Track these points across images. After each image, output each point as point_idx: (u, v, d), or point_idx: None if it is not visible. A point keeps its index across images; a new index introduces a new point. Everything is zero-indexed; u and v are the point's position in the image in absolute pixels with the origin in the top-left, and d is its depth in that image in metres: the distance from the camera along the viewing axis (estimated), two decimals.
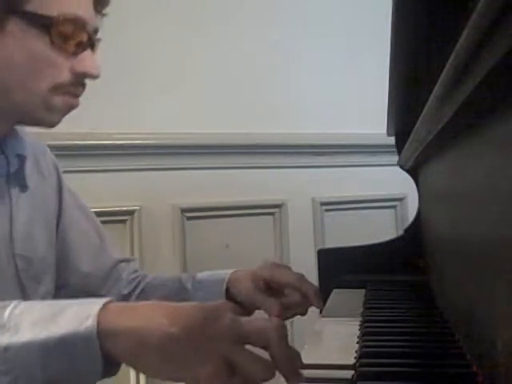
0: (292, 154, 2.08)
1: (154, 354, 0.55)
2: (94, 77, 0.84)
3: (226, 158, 1.97)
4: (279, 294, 0.94)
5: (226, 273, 0.99)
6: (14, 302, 0.59)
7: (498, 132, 0.53)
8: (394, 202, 2.23)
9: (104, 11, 0.87)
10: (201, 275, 1.02)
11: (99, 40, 0.87)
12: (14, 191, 0.88)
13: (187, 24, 1.93)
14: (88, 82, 0.86)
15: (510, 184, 0.49)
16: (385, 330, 0.87)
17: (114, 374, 0.60)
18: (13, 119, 0.86)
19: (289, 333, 0.89)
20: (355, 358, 0.73)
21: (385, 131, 1.30)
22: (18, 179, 0.89)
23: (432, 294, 1.11)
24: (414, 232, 1.30)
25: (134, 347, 0.56)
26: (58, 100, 0.82)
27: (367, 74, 2.04)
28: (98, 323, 0.56)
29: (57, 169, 1.01)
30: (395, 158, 1.32)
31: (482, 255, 0.62)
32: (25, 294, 0.87)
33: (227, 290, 0.97)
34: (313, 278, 1.39)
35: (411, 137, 0.98)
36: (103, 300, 0.59)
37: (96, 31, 0.85)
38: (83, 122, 1.65)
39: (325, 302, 1.16)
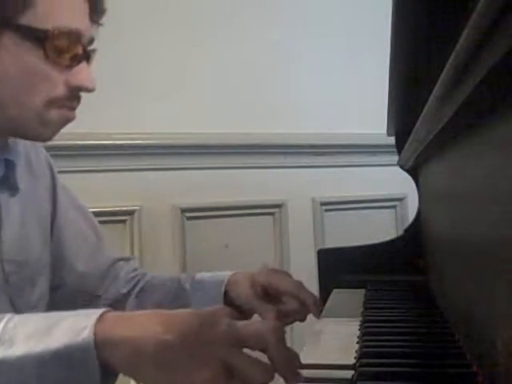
0: (292, 154, 2.08)
1: (149, 362, 0.55)
2: (89, 90, 0.82)
3: (225, 158, 1.97)
4: (277, 300, 0.94)
5: (225, 274, 0.98)
6: (8, 315, 0.59)
7: (498, 132, 0.53)
8: (393, 202, 2.23)
9: (100, 21, 0.85)
10: (200, 276, 1.01)
11: (95, 51, 0.85)
12: (3, 196, 0.86)
13: (187, 24, 1.93)
14: None
15: (509, 184, 0.49)
16: (385, 330, 0.87)
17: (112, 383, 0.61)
18: (7, 133, 0.84)
19: (289, 333, 0.89)
20: (355, 357, 0.73)
21: (385, 131, 1.30)
22: (7, 184, 0.87)
23: (432, 294, 1.11)
24: (414, 232, 1.30)
25: (130, 356, 0.56)
26: (54, 114, 0.81)
27: (367, 74, 2.03)
28: (95, 334, 0.56)
29: (51, 168, 1.00)
30: (395, 158, 1.32)
31: (482, 255, 0.62)
32: (14, 301, 0.86)
33: (226, 292, 0.96)
34: (313, 277, 1.39)
35: (411, 137, 0.98)
36: (99, 310, 0.59)
37: (91, 41, 0.84)
38: (83, 122, 1.64)
39: (325, 301, 1.16)
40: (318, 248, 1.42)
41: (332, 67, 2.12)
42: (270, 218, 2.05)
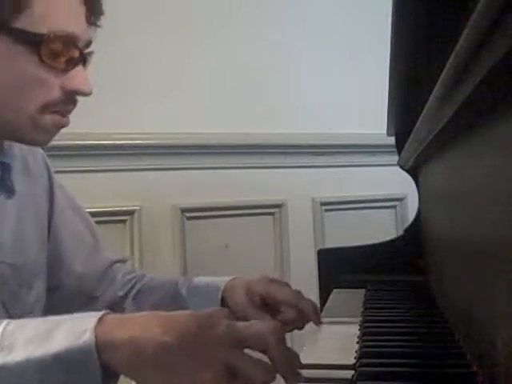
0: (292, 154, 2.08)
1: (149, 363, 0.55)
2: (86, 94, 0.81)
3: (225, 158, 1.97)
4: (275, 310, 0.94)
5: (222, 280, 0.97)
6: (6, 321, 0.59)
7: (498, 132, 0.53)
8: (393, 202, 2.23)
9: (98, 23, 0.82)
10: (197, 281, 1.00)
11: (92, 53, 0.84)
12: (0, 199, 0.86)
13: (186, 25, 1.93)
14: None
15: (510, 184, 0.49)
16: (385, 330, 0.87)
17: None
18: (4, 138, 0.84)
19: (289, 333, 0.89)
20: (355, 357, 0.73)
21: (385, 131, 1.30)
22: (3, 186, 0.86)
23: (432, 294, 1.11)
24: (414, 232, 1.30)
25: (130, 358, 0.56)
26: (48, 119, 0.79)
27: (367, 74, 2.03)
28: (96, 336, 0.56)
29: (47, 168, 0.98)
30: (395, 158, 1.32)
31: (482, 255, 0.62)
32: (8, 304, 0.85)
33: (223, 298, 0.96)
34: (313, 277, 1.39)
35: (411, 137, 0.98)
36: (99, 313, 0.58)
37: (89, 44, 0.82)
38: (83, 122, 1.64)
39: (325, 301, 1.16)
40: (318, 248, 1.42)
41: (332, 67, 2.12)
42: (270, 218, 2.05)
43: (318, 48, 2.10)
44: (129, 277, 1.05)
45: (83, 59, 0.81)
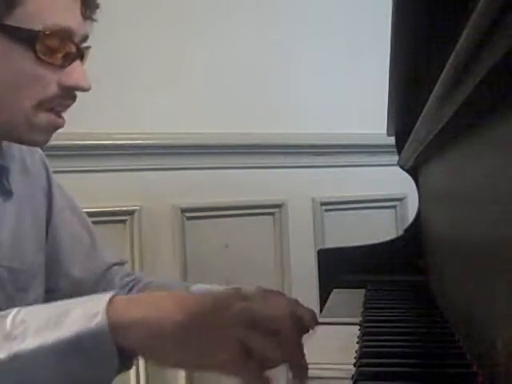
0: (292, 154, 2.08)
1: (167, 343, 0.55)
2: (85, 89, 0.80)
3: (225, 158, 1.97)
4: None
5: (218, 290, 0.97)
6: (15, 310, 0.59)
7: (498, 132, 0.53)
8: (393, 202, 2.23)
9: (94, 16, 0.81)
10: (195, 288, 1.00)
11: (89, 48, 0.83)
12: None
13: (187, 24, 1.93)
14: None
15: (510, 184, 0.49)
16: (385, 330, 0.87)
17: (129, 368, 0.60)
18: (2, 138, 0.83)
19: None
20: (355, 357, 0.73)
21: (385, 131, 1.30)
22: (2, 189, 0.85)
23: (432, 294, 1.11)
24: (414, 232, 1.30)
25: (146, 338, 0.56)
26: (43, 118, 0.78)
27: (367, 74, 2.03)
28: (108, 318, 0.55)
29: (46, 168, 0.97)
30: (395, 158, 1.32)
31: (482, 255, 0.62)
32: (11, 305, 0.85)
33: None
34: (313, 277, 1.39)
35: (411, 137, 0.98)
36: (108, 294, 0.58)
37: (85, 39, 0.81)
38: (83, 122, 1.65)
39: (325, 301, 1.16)
40: (318, 248, 1.42)
41: (332, 67, 2.12)
42: (270, 218, 2.05)
43: (318, 48, 2.10)
44: (127, 279, 1.05)
45: (80, 54, 0.79)
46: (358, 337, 0.84)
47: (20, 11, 0.73)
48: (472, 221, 0.68)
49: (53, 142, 0.84)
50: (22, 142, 0.84)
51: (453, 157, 0.79)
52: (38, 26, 0.74)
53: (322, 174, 2.11)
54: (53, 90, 0.77)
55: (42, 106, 0.78)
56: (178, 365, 0.58)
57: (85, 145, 1.77)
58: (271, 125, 2.01)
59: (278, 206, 2.06)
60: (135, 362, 0.60)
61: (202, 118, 1.92)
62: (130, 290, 1.03)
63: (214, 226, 1.95)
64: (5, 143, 0.86)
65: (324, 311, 1.08)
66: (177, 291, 0.61)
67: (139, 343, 0.56)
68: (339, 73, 2.12)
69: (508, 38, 0.37)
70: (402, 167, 1.32)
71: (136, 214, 1.83)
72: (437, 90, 0.62)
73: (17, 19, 0.73)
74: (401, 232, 1.36)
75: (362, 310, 1.02)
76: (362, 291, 1.20)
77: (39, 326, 0.56)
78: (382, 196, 2.20)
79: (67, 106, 0.81)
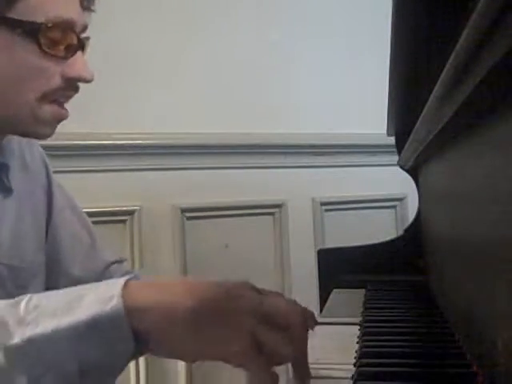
0: (292, 154, 2.08)
1: (179, 327, 0.55)
2: (88, 80, 0.80)
3: (226, 158, 1.97)
4: None
5: None
6: (28, 296, 0.58)
7: (498, 132, 0.53)
8: (393, 202, 2.23)
9: (92, 7, 0.82)
10: None
11: (88, 39, 0.84)
12: None
13: (187, 24, 1.93)
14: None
15: (510, 184, 0.49)
16: (385, 330, 0.87)
17: (143, 354, 0.60)
18: (7, 132, 0.83)
19: None
20: (355, 357, 0.73)
21: (385, 131, 1.30)
22: (1, 187, 0.85)
23: (432, 294, 1.11)
24: (414, 232, 1.30)
25: (161, 322, 0.55)
26: (47, 110, 0.79)
27: (367, 74, 2.03)
28: (124, 301, 0.55)
29: (45, 165, 0.97)
30: (395, 158, 1.32)
31: (482, 255, 0.62)
32: None
33: None
34: (313, 277, 1.39)
35: (411, 137, 0.98)
36: (123, 279, 0.58)
37: (85, 29, 0.81)
38: (83, 122, 1.65)
39: (325, 301, 1.16)
40: (318, 248, 1.42)
41: (332, 67, 2.12)
42: (270, 218, 2.06)
43: (318, 48, 2.10)
44: (127, 277, 1.04)
45: (81, 45, 0.80)
46: (358, 337, 0.84)
47: (22, 4, 0.74)
48: (472, 221, 0.68)
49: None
50: (27, 136, 0.84)
51: (453, 157, 0.79)
52: (40, 19, 0.74)
53: (322, 174, 2.11)
54: (56, 81, 0.78)
55: (46, 98, 0.78)
56: (188, 353, 0.57)
57: (85, 145, 1.77)
58: (271, 125, 2.01)
59: (278, 206, 2.06)
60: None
61: (202, 118, 1.92)
62: None
63: (214, 225, 1.95)
64: (4, 140, 0.86)
65: (324, 311, 1.08)
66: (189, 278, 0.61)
67: (154, 327, 0.56)
68: (339, 73, 2.12)
69: (508, 37, 0.37)
70: (402, 167, 1.32)
71: (136, 213, 1.83)
72: (437, 90, 0.62)
73: (19, 12, 0.74)
74: (401, 232, 1.36)
75: (362, 309, 1.02)
76: (362, 291, 1.20)
77: (54, 310, 0.56)
78: (382, 196, 2.20)
79: (69, 97, 0.82)
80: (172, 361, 1.82)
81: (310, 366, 0.62)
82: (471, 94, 0.50)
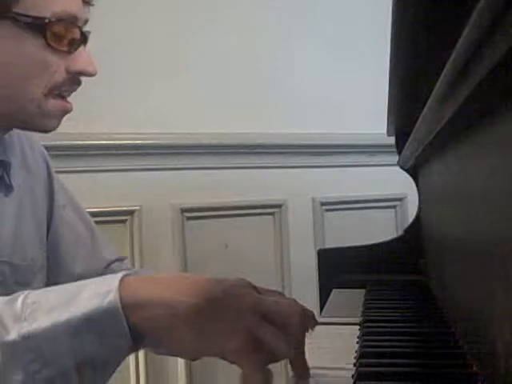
0: (292, 154, 2.08)
1: (182, 324, 0.55)
2: (91, 74, 0.82)
3: (226, 158, 1.97)
4: None
5: None
6: (24, 292, 0.59)
7: (498, 132, 0.53)
8: (394, 202, 2.23)
9: (92, 1, 0.83)
10: None
11: (89, 33, 0.85)
12: None
13: (186, 24, 1.93)
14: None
15: (510, 184, 0.49)
16: (385, 330, 0.87)
17: (140, 349, 0.60)
18: (13, 126, 0.84)
19: None
20: (355, 357, 0.73)
21: (385, 131, 1.30)
22: (3, 184, 0.86)
23: (432, 294, 1.11)
24: (414, 232, 1.30)
25: (161, 318, 0.55)
26: (53, 104, 0.80)
27: (367, 74, 2.03)
28: (120, 296, 0.55)
29: (47, 163, 0.98)
30: (395, 158, 1.31)
31: (482, 255, 0.62)
32: None
33: None
34: (313, 277, 1.39)
35: (411, 137, 0.98)
36: (119, 275, 0.58)
37: (85, 23, 0.83)
38: (83, 122, 1.65)
39: (325, 302, 1.16)
40: (318, 248, 1.42)
41: (332, 67, 2.12)
42: (270, 217, 2.05)
43: (318, 48, 2.10)
44: (124, 272, 1.04)
45: (84, 39, 0.82)
46: (358, 337, 0.84)
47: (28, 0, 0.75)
48: (472, 221, 0.68)
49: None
50: (34, 129, 0.85)
51: (453, 157, 0.79)
52: (46, 14, 0.76)
53: (322, 174, 2.11)
54: (61, 76, 0.80)
55: (52, 92, 0.80)
56: (184, 349, 0.57)
57: (85, 145, 1.77)
58: (271, 125, 2.01)
59: (278, 206, 2.06)
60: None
61: (201, 118, 1.92)
62: None
63: (214, 225, 1.95)
64: (6, 135, 0.87)
65: (324, 311, 1.08)
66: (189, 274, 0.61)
67: (151, 322, 0.56)
68: (339, 73, 2.12)
69: (508, 37, 0.37)
70: (402, 167, 1.32)
71: (136, 213, 1.83)
72: (437, 90, 0.62)
73: (26, 7, 0.75)
74: (401, 232, 1.36)
75: (362, 309, 1.02)
76: (362, 291, 1.20)
77: (50, 306, 0.56)
78: (382, 196, 2.20)
79: (72, 91, 0.83)
80: (172, 360, 1.82)
81: (310, 366, 0.62)
82: (471, 93, 0.50)
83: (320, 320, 0.96)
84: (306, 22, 2.09)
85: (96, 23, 0.84)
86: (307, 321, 0.66)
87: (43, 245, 0.94)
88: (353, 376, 0.67)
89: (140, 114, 1.85)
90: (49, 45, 0.77)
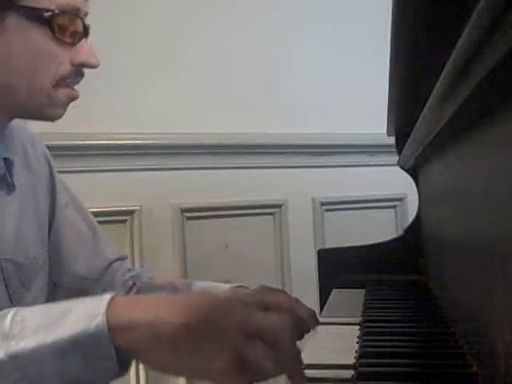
0: (292, 154, 2.08)
1: (167, 346, 0.55)
2: (94, 66, 0.83)
3: (226, 158, 1.97)
4: None
5: (222, 287, 0.97)
6: (13, 310, 0.59)
7: (498, 132, 0.53)
8: (394, 202, 2.23)
9: None
10: (198, 285, 1.00)
11: (89, 26, 0.86)
12: (0, 194, 0.85)
13: (185, 24, 1.93)
14: (88, 83, 0.86)
15: (510, 184, 0.49)
16: (385, 330, 0.87)
17: (126, 372, 0.60)
18: (16, 116, 0.85)
19: None
20: (355, 357, 0.73)
21: (385, 131, 1.30)
22: (5, 183, 0.86)
23: (432, 294, 1.11)
24: (414, 232, 1.30)
25: (146, 340, 0.55)
26: (62, 93, 0.82)
27: (367, 74, 2.04)
28: (108, 320, 0.55)
29: (48, 163, 0.98)
30: (395, 158, 1.32)
31: (482, 255, 0.62)
32: (13, 299, 0.85)
33: None
34: (313, 277, 1.39)
35: (411, 137, 0.98)
36: (108, 296, 0.58)
37: (86, 15, 0.84)
38: (83, 122, 1.65)
39: (325, 302, 1.16)
40: (318, 248, 1.42)
41: (332, 67, 2.12)
42: (270, 217, 2.06)
43: (318, 48, 2.10)
44: (129, 274, 1.05)
45: (86, 32, 0.84)
46: (358, 337, 0.84)
47: None
48: (472, 221, 0.68)
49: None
50: (40, 118, 0.85)
51: (453, 157, 0.79)
52: (51, 6, 0.78)
53: (322, 174, 2.11)
54: (66, 67, 0.81)
55: (61, 82, 0.81)
56: (171, 370, 0.57)
57: (85, 145, 1.77)
58: (271, 125, 2.01)
59: (278, 206, 2.06)
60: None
61: (201, 118, 1.92)
62: (132, 287, 1.03)
63: (214, 225, 1.95)
64: (7, 137, 0.87)
65: (324, 311, 1.08)
66: (176, 294, 0.60)
67: (138, 345, 0.56)
68: (339, 73, 2.12)
69: (508, 37, 0.37)
70: (402, 167, 1.32)
71: (136, 213, 1.83)
72: (437, 90, 0.62)
73: (32, 0, 0.77)
74: (401, 232, 1.36)
75: (362, 310, 1.02)
76: (362, 291, 1.20)
77: (38, 325, 0.56)
78: (382, 196, 2.20)
79: (77, 83, 0.85)
80: None
81: (310, 366, 0.62)
82: (471, 94, 0.50)
83: (320, 320, 0.96)
84: (306, 22, 2.09)
85: (97, 23, 0.85)
86: (302, 328, 0.66)
87: (45, 244, 0.95)
88: (353, 376, 0.67)
89: (140, 113, 1.85)
90: (55, 36, 0.79)
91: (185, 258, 1.89)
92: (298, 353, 0.59)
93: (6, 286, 0.85)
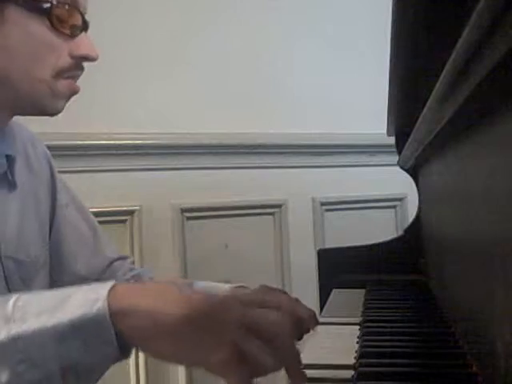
0: (292, 154, 2.08)
1: (167, 336, 0.55)
2: (93, 59, 0.84)
3: (226, 158, 1.97)
4: None
5: (222, 287, 0.98)
6: (16, 295, 0.59)
7: (498, 132, 0.53)
8: (394, 202, 2.23)
9: None
10: (198, 285, 1.00)
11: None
12: (2, 192, 0.86)
13: (185, 24, 1.93)
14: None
15: (510, 184, 0.49)
16: (385, 330, 0.87)
17: (127, 357, 0.60)
18: (20, 111, 0.85)
19: None
20: (355, 357, 0.73)
21: (385, 131, 1.30)
22: (6, 180, 0.86)
23: (432, 294, 1.11)
24: (414, 232, 1.30)
25: (146, 329, 0.56)
26: (63, 85, 0.82)
27: (367, 74, 2.04)
28: (109, 304, 0.56)
29: (49, 163, 0.98)
30: (395, 158, 1.32)
31: (482, 255, 0.62)
32: None
33: None
34: (313, 277, 1.39)
35: (411, 137, 0.98)
36: (110, 282, 0.58)
37: (85, 11, 0.85)
38: (83, 122, 1.65)
39: (325, 302, 1.16)
40: (318, 248, 1.42)
41: (332, 67, 2.12)
42: (270, 217, 2.06)
43: (318, 48, 2.10)
44: (131, 274, 1.05)
45: (86, 26, 0.84)
46: (358, 337, 0.84)
47: None
48: (472, 221, 0.68)
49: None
50: (41, 112, 0.85)
51: (453, 157, 0.79)
52: None
53: (322, 174, 2.11)
54: (66, 60, 0.82)
55: (61, 74, 0.81)
56: (170, 359, 0.58)
57: (85, 145, 1.77)
58: (271, 125, 2.01)
59: (278, 206, 2.06)
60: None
61: (201, 118, 1.92)
62: None
63: (214, 225, 1.95)
64: (8, 136, 0.87)
65: (324, 311, 1.08)
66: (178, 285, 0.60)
67: (137, 331, 0.56)
68: (339, 73, 2.12)
69: (508, 38, 0.37)
70: (402, 167, 1.32)
71: (136, 213, 1.83)
72: (437, 90, 0.62)
73: None
74: (401, 232, 1.36)
75: (362, 310, 1.02)
76: (362, 291, 1.20)
77: (40, 309, 0.57)
78: (382, 196, 2.20)
79: (77, 77, 0.85)
80: None
81: (310, 366, 0.62)
82: (471, 94, 0.50)
83: (320, 320, 0.96)
84: (306, 22, 2.09)
85: (97, 23, 0.85)
86: (301, 328, 0.66)
87: (46, 243, 0.95)
88: (353, 376, 0.67)
89: (140, 114, 1.85)
90: (54, 28, 0.79)
91: (185, 258, 1.89)
92: (298, 351, 0.59)
93: (7, 284, 0.85)
